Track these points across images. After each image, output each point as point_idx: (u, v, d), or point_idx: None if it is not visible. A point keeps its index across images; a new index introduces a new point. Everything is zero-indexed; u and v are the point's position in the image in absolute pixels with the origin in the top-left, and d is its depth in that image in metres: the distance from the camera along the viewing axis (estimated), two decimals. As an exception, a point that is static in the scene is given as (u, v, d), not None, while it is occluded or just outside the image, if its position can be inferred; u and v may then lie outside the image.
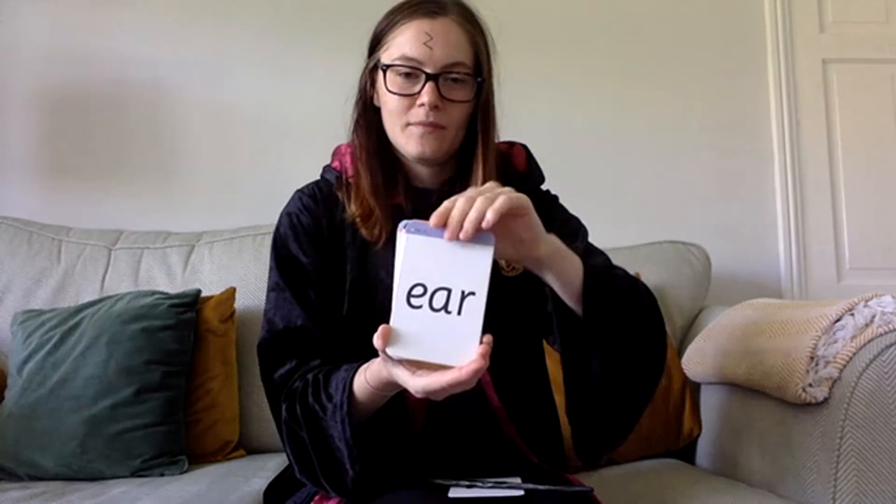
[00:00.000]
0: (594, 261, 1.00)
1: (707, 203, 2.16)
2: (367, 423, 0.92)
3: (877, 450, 1.10)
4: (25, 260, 1.75)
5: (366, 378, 0.88)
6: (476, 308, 0.75)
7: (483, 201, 0.77)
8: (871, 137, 2.22)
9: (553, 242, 0.87)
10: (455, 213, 0.77)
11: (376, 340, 0.75)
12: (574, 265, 0.89)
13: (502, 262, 1.02)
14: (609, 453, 1.01)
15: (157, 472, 1.41)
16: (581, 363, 0.93)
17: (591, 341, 0.91)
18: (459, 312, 0.75)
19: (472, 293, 0.76)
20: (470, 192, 0.80)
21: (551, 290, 0.91)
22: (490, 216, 0.76)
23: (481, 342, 0.75)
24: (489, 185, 0.83)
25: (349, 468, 0.89)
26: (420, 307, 0.75)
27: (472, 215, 0.76)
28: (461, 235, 0.76)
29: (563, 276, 0.88)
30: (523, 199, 0.81)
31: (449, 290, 0.76)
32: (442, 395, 0.76)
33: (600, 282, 0.90)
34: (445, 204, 0.78)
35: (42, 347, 1.50)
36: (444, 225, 0.77)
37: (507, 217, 0.79)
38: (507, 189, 0.81)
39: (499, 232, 0.78)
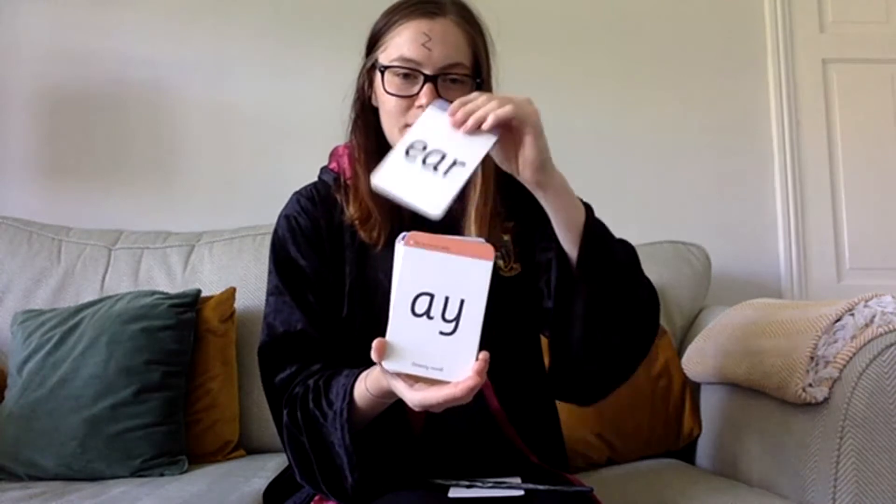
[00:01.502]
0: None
1: (707, 203, 2.16)
2: (366, 428, 0.92)
3: (876, 449, 1.10)
4: (25, 260, 1.74)
5: (366, 386, 0.88)
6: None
7: (493, 103, 0.84)
8: (871, 137, 2.22)
9: (561, 181, 0.90)
10: (469, 106, 0.84)
11: (373, 354, 0.76)
12: (578, 209, 0.92)
13: (500, 263, 1.02)
14: (598, 399, 1.04)
15: (157, 472, 1.41)
16: (569, 314, 0.94)
17: (584, 289, 0.92)
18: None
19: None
20: (496, 96, 0.87)
21: (554, 234, 0.93)
22: (490, 120, 0.83)
23: (478, 358, 0.75)
24: (522, 98, 0.86)
25: (348, 474, 0.89)
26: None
27: (478, 114, 0.83)
28: (461, 129, 0.84)
29: (567, 218, 0.91)
30: (532, 116, 0.85)
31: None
32: (439, 409, 0.77)
33: (602, 230, 0.94)
34: (467, 98, 0.86)
35: (42, 347, 1.50)
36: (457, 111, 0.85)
37: (515, 129, 0.85)
38: (525, 100, 0.86)
39: (505, 143, 0.86)
